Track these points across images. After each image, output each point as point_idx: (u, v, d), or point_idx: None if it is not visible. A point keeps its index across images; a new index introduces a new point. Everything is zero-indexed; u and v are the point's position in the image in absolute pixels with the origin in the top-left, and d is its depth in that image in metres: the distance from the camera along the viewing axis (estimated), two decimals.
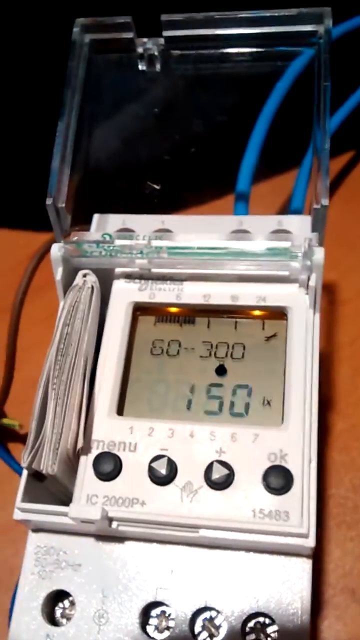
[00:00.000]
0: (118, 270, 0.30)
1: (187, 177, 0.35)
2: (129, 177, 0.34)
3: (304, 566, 0.25)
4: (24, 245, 0.42)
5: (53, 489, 0.27)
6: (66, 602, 0.27)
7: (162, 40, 0.32)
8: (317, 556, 0.27)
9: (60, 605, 0.27)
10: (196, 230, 0.30)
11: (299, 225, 0.30)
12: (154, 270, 0.30)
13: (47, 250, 0.38)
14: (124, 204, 0.33)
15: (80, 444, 0.26)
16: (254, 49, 0.32)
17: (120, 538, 0.26)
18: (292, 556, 0.25)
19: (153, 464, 0.26)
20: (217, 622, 0.25)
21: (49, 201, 0.28)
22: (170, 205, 0.35)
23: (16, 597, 0.26)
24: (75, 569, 0.26)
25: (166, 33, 0.31)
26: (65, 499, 0.28)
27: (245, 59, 0.32)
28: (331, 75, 0.29)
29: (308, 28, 0.30)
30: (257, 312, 0.29)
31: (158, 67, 0.32)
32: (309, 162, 0.38)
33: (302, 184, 0.38)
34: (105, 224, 0.32)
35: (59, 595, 0.27)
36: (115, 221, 0.32)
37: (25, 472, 0.27)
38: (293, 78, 0.36)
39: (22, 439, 0.37)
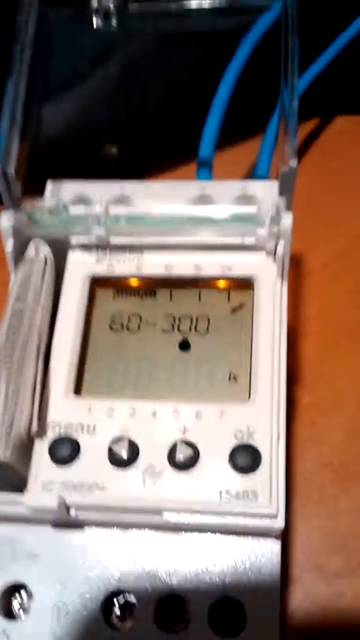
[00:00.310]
0: (73, 240, 0.28)
1: (147, 143, 0.33)
2: (85, 142, 0.32)
3: (273, 547, 0.24)
4: None
5: (5, 475, 0.26)
6: (24, 595, 0.25)
7: None
8: (285, 534, 0.26)
9: (18, 598, 0.25)
10: (157, 197, 0.28)
11: (265, 190, 0.29)
12: (112, 240, 0.28)
13: None
14: (80, 172, 0.31)
15: (35, 428, 0.24)
16: (218, 2, 0.30)
17: (79, 525, 0.25)
18: (260, 537, 0.24)
19: (113, 446, 0.24)
20: (183, 608, 0.24)
21: None
22: (130, 172, 0.33)
23: None
24: (32, 560, 0.25)
25: None
26: (20, 484, 0.26)
27: (208, 13, 0.30)
28: (300, 33, 0.27)
29: None
30: (222, 283, 0.28)
31: (114, 22, 0.30)
32: (275, 127, 0.37)
33: (267, 149, 0.36)
34: (60, 191, 0.30)
35: (15, 588, 0.25)
36: (70, 188, 0.30)
37: None
38: (259, 35, 0.34)
39: None
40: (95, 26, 0.30)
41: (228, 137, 0.37)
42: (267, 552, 0.24)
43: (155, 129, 0.33)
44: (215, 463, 0.24)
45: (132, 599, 0.24)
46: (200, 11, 0.30)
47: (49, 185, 0.30)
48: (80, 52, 0.31)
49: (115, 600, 0.24)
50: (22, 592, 0.25)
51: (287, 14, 0.28)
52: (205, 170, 0.35)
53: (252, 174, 0.35)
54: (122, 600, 0.24)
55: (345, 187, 0.40)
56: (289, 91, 0.26)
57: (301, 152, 0.43)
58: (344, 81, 0.41)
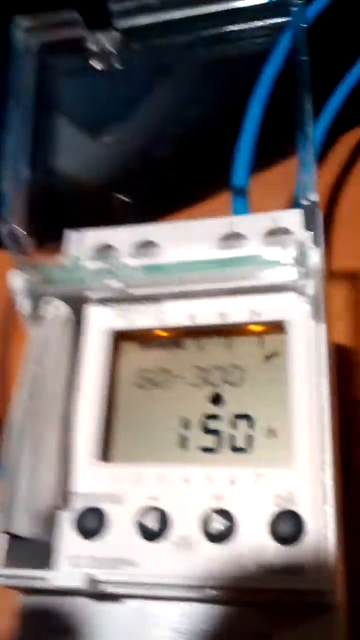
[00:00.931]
0: (91, 294, 0.27)
1: (167, 183, 0.31)
2: (99, 190, 0.30)
3: (325, 624, 0.21)
4: None
5: (31, 547, 0.24)
6: None
7: (116, 34, 0.28)
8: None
9: None
10: (182, 239, 0.26)
11: (299, 219, 0.26)
12: (131, 291, 0.26)
13: None
14: (94, 217, 0.30)
15: (58, 501, 0.23)
16: (224, 29, 0.28)
17: (115, 597, 0.23)
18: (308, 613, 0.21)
19: (142, 519, 0.22)
20: None
21: (3, 229, 0.25)
22: (153, 215, 0.32)
23: None
24: (68, 634, 0.23)
25: (119, 24, 0.28)
26: (46, 553, 0.24)
27: (212, 42, 0.28)
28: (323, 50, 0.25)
29: None
30: (253, 328, 0.25)
31: (116, 64, 0.29)
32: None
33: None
34: (80, 240, 0.29)
35: None
36: (90, 237, 0.28)
37: (2, 536, 0.23)
38: (282, 56, 0.32)
39: None
40: (98, 68, 0.29)
41: (265, 158, 0.35)
42: (322, 628, 0.21)
43: (176, 171, 0.31)
44: (254, 533, 0.22)
45: None
46: (205, 40, 0.29)
47: (68, 235, 0.29)
48: (84, 96, 0.30)
49: None
50: None
51: (295, 30, 0.26)
52: (241, 199, 0.33)
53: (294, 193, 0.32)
54: None
55: None
56: (303, 116, 0.24)
57: (350, 163, 0.40)
58: None
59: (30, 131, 0.27)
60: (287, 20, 0.28)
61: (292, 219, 0.26)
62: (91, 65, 0.28)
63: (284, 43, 0.33)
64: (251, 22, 0.27)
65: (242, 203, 0.33)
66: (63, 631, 0.23)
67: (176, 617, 0.22)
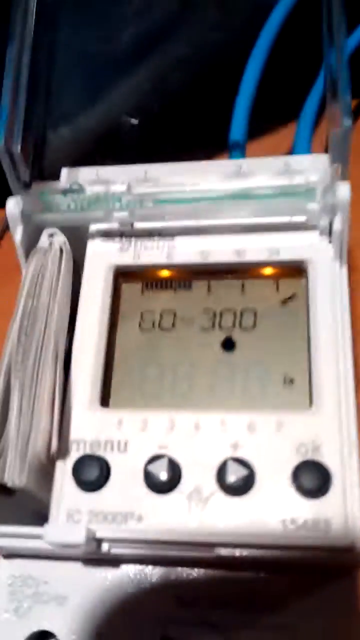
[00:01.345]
0: (92, 227, 0.24)
1: (171, 123, 0.29)
2: (102, 121, 0.28)
3: (349, 585, 0.19)
4: None
5: (26, 503, 0.22)
6: None
7: None
8: None
9: None
10: (187, 177, 0.24)
11: (313, 163, 0.24)
12: (138, 224, 0.24)
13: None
14: (97, 158, 0.27)
15: (54, 446, 0.20)
16: None
17: (114, 561, 0.21)
18: (331, 575, 0.20)
19: (150, 467, 0.20)
20: None
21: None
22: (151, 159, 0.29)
23: None
24: (60, 603, 0.21)
25: None
26: (42, 513, 0.22)
27: None
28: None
29: None
30: (268, 270, 0.23)
31: None
32: (313, 106, 0.33)
33: (305, 132, 0.32)
34: (76, 176, 0.26)
35: (41, 637, 0.21)
36: (87, 173, 0.26)
37: None
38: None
39: None
40: None
41: (258, 125, 0.33)
42: (343, 594, 0.19)
43: (182, 107, 0.29)
44: (275, 485, 0.20)
45: None
46: None
47: (64, 173, 0.26)
48: (93, 13, 0.27)
49: None
50: None
51: None
52: (238, 153, 0.31)
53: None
54: None
55: None
56: (335, 40, 0.22)
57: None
58: None
59: (32, 45, 0.24)
60: None
61: (306, 163, 0.24)
62: None
63: None
64: None
65: (240, 157, 0.31)
66: (52, 601, 0.21)
67: (179, 584, 0.20)
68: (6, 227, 0.30)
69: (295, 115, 0.32)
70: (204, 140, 0.32)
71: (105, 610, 0.21)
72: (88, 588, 0.21)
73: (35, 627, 0.21)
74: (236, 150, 0.31)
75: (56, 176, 0.26)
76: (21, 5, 0.24)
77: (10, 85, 0.23)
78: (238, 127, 0.31)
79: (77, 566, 0.21)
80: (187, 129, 0.33)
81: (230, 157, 0.30)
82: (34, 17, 0.24)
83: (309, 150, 0.31)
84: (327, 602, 0.20)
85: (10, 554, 0.22)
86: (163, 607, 0.20)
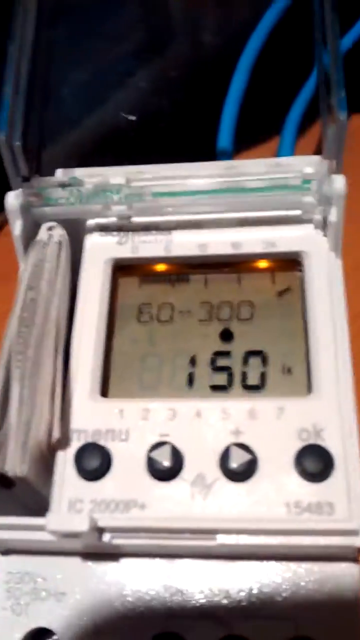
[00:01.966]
0: (90, 221, 0.24)
1: (163, 130, 0.29)
2: (101, 122, 0.28)
3: (352, 571, 0.19)
4: None
5: (24, 497, 0.21)
6: None
7: None
8: None
9: None
10: (181, 177, 0.24)
11: (302, 161, 0.25)
12: (135, 219, 0.24)
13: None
14: (94, 158, 0.27)
15: (56, 435, 0.20)
16: None
17: (113, 555, 0.21)
18: (333, 562, 0.20)
19: (152, 454, 0.20)
20: None
21: (1, 135, 0.23)
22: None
23: None
24: (59, 599, 0.20)
25: None
26: (39, 509, 0.22)
27: None
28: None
29: None
30: (263, 264, 0.24)
31: None
32: (298, 111, 0.34)
33: (289, 136, 0.33)
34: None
35: (39, 635, 0.20)
36: (82, 173, 0.26)
37: None
38: (283, 7, 0.31)
39: None
40: None
41: (243, 138, 0.34)
42: (345, 578, 0.19)
43: (174, 114, 0.29)
44: (278, 469, 0.20)
45: None
46: None
47: (59, 174, 0.26)
48: (92, 12, 0.27)
49: None
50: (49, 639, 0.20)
51: None
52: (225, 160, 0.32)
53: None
54: None
55: None
56: (329, 37, 0.23)
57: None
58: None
59: (32, 43, 0.24)
60: None
61: (296, 160, 0.25)
62: None
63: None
64: None
65: None
66: (50, 597, 0.21)
67: (180, 577, 0.20)
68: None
69: (277, 131, 0.33)
70: (192, 148, 0.33)
71: (105, 606, 0.20)
72: (87, 583, 0.20)
73: (33, 624, 0.20)
74: (223, 157, 0.32)
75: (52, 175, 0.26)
76: (22, 3, 0.25)
77: (12, 80, 0.24)
78: (225, 135, 0.32)
79: (76, 561, 0.21)
80: (178, 137, 0.33)
81: None
82: (35, 15, 0.25)
83: (292, 152, 0.32)
84: (329, 590, 0.20)
85: (8, 550, 0.21)
86: (163, 601, 0.20)
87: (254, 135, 0.37)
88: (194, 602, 0.20)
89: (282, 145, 0.33)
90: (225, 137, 0.32)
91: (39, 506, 0.21)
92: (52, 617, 0.20)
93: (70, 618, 0.20)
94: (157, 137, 0.31)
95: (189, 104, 0.31)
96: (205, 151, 0.31)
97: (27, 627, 0.20)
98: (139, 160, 0.27)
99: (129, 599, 0.20)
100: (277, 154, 0.33)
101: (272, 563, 0.20)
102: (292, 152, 0.33)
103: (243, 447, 0.20)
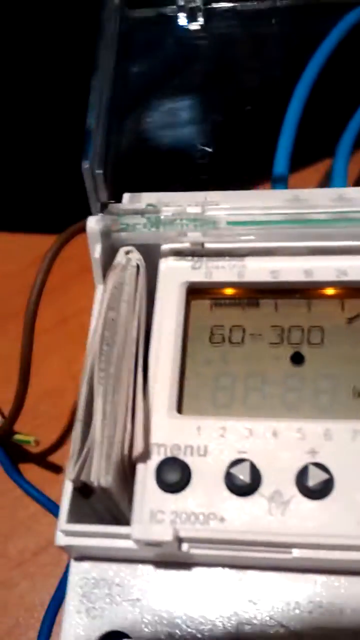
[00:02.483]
0: (165, 246, 0.26)
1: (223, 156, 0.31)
2: (172, 150, 0.30)
3: None
4: (25, 247, 0.38)
5: (100, 507, 0.22)
6: None
7: None
8: None
9: None
10: (248, 203, 0.26)
11: None
12: (209, 245, 0.25)
13: (58, 250, 0.33)
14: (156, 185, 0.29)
15: (139, 448, 0.21)
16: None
17: (185, 564, 0.21)
18: None
19: (232, 470, 0.21)
20: None
21: (85, 164, 0.24)
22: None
23: None
24: (133, 604, 0.21)
25: None
26: (112, 519, 0.23)
27: (292, 11, 0.28)
28: None
29: None
30: (332, 291, 0.25)
31: (201, 20, 0.28)
32: (350, 138, 0.35)
33: (341, 163, 0.34)
34: (138, 202, 0.27)
35: (113, 638, 0.21)
36: (148, 198, 0.27)
37: (69, 486, 0.21)
38: (339, 37, 0.32)
39: (35, 458, 0.32)
40: (180, 24, 0.28)
41: (299, 158, 0.35)
42: None
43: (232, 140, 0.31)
44: (353, 489, 0.20)
45: None
46: (283, 11, 0.29)
47: (126, 198, 0.28)
48: (166, 51, 0.29)
49: None
50: None
51: None
52: (281, 186, 0.33)
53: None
54: None
55: None
56: None
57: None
58: None
59: (113, 79, 0.26)
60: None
61: (357, 195, 0.26)
62: (173, 20, 0.28)
63: (342, 25, 0.33)
64: None
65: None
66: (125, 602, 0.21)
67: (251, 586, 0.21)
68: (56, 251, 0.31)
69: (329, 151, 0.35)
70: (249, 172, 0.34)
71: (178, 611, 0.21)
72: (160, 589, 0.21)
73: (107, 627, 0.21)
74: (279, 183, 0.33)
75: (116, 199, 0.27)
76: (105, 40, 0.26)
77: (95, 112, 0.25)
78: (281, 161, 0.33)
79: (149, 569, 0.22)
80: (235, 161, 0.35)
81: (273, 188, 0.32)
82: (115, 49, 0.26)
83: (345, 181, 0.33)
84: None
85: (82, 556, 0.22)
86: (234, 609, 0.21)
87: (304, 158, 0.38)
88: (264, 611, 0.21)
89: (335, 173, 0.34)
90: (281, 164, 0.33)
91: (112, 516, 0.22)
92: (126, 621, 0.21)
93: (144, 622, 0.21)
94: (218, 164, 0.32)
95: (247, 133, 0.32)
96: (258, 174, 0.32)
97: (101, 630, 0.21)
98: (198, 186, 0.29)
99: (202, 604, 0.21)
100: (330, 180, 0.34)
101: (343, 577, 0.21)
102: (345, 178, 0.34)
103: (320, 466, 0.21)
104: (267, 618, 0.21)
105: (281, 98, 0.33)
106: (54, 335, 0.37)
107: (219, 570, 0.21)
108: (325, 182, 0.35)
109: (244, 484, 0.21)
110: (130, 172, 0.31)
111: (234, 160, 0.35)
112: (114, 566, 0.22)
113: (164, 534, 0.20)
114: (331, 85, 0.35)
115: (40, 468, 0.32)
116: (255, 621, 0.21)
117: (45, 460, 0.32)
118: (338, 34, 0.33)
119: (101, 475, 0.21)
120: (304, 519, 0.20)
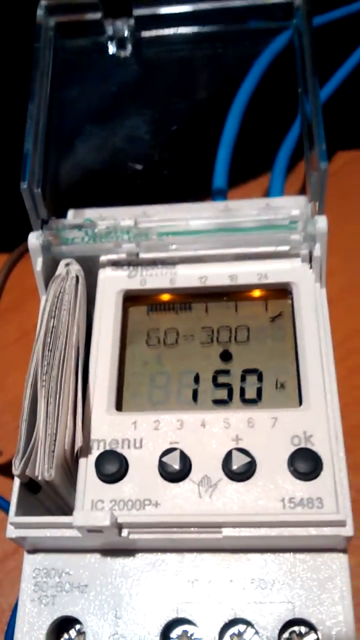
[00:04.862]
0: (103, 257, 0.28)
1: (162, 171, 0.33)
2: (106, 167, 0.32)
3: (341, 561, 0.22)
4: None
5: (48, 501, 0.24)
6: (72, 632, 0.23)
7: (132, 21, 0.30)
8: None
9: (68, 635, 0.23)
10: (182, 215, 0.28)
11: (290, 203, 0.29)
12: (143, 255, 0.27)
13: (10, 269, 0.35)
14: (100, 201, 0.31)
15: (79, 444, 0.23)
16: (229, 27, 0.30)
17: (130, 551, 0.23)
18: (324, 552, 0.22)
19: (164, 459, 0.23)
20: (247, 636, 0.22)
21: (23, 185, 0.26)
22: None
23: (16, 630, 0.22)
24: (82, 591, 0.23)
25: (136, 12, 0.30)
26: (61, 513, 0.24)
27: (222, 37, 0.31)
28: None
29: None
30: (257, 293, 0.27)
31: (129, 49, 0.30)
32: (286, 153, 0.37)
33: (279, 176, 0.37)
34: (82, 217, 0.30)
35: (65, 623, 0.23)
36: (91, 214, 0.29)
37: (17, 482, 0.23)
38: (270, 59, 0.34)
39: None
40: (110, 53, 0.30)
41: (237, 175, 0.37)
42: (336, 566, 0.22)
43: (172, 160, 0.33)
44: (274, 470, 0.22)
45: (192, 628, 0.22)
46: (213, 35, 0.31)
47: (70, 214, 0.30)
48: (97, 78, 0.31)
49: (174, 630, 0.22)
50: (73, 627, 0.23)
51: (301, 22, 0.28)
52: (221, 198, 0.35)
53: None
54: (180, 631, 0.22)
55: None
56: (310, 95, 0.26)
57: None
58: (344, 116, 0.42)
59: (48, 104, 0.28)
60: (278, 26, 0.31)
61: (284, 203, 0.28)
62: (103, 49, 0.30)
63: (273, 47, 0.35)
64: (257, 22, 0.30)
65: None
66: (74, 589, 0.23)
67: (189, 568, 0.23)
68: (8, 270, 0.33)
69: (267, 167, 0.37)
70: (190, 188, 0.36)
71: (124, 596, 0.23)
72: (107, 576, 0.23)
73: (59, 614, 0.23)
74: (218, 196, 0.35)
75: (62, 215, 0.29)
76: (39, 68, 0.28)
77: (32, 135, 0.27)
78: (220, 175, 0.35)
79: (96, 557, 0.23)
80: (177, 178, 0.37)
81: (213, 201, 0.34)
82: (49, 77, 0.28)
83: (282, 192, 0.35)
84: (322, 578, 0.22)
85: (34, 549, 0.24)
86: (175, 590, 0.23)
87: (245, 173, 0.41)
88: (201, 590, 0.22)
89: (272, 186, 0.36)
90: (219, 178, 0.35)
91: (61, 510, 0.24)
92: (76, 606, 0.23)
93: (92, 607, 0.23)
94: (158, 180, 0.34)
95: (186, 150, 0.35)
96: (202, 189, 0.35)
97: (53, 617, 0.23)
98: (143, 201, 0.31)
99: (144, 589, 0.23)
100: (268, 193, 0.36)
101: (271, 555, 0.22)
102: (282, 191, 0.36)
103: (243, 451, 0.23)
104: (205, 596, 0.22)
105: (215, 117, 0.35)
106: (14, 349, 0.39)
107: (159, 555, 0.23)
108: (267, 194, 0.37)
109: (174, 470, 0.23)
110: (76, 190, 0.33)
111: (175, 176, 0.37)
112: (64, 556, 0.23)
113: (103, 519, 0.21)
114: (267, 103, 0.38)
115: (4, 478, 0.33)
116: (194, 600, 0.23)
117: (9, 470, 0.33)
118: (270, 55, 0.35)
119: (45, 469, 0.22)
120: (231, 500, 0.22)
